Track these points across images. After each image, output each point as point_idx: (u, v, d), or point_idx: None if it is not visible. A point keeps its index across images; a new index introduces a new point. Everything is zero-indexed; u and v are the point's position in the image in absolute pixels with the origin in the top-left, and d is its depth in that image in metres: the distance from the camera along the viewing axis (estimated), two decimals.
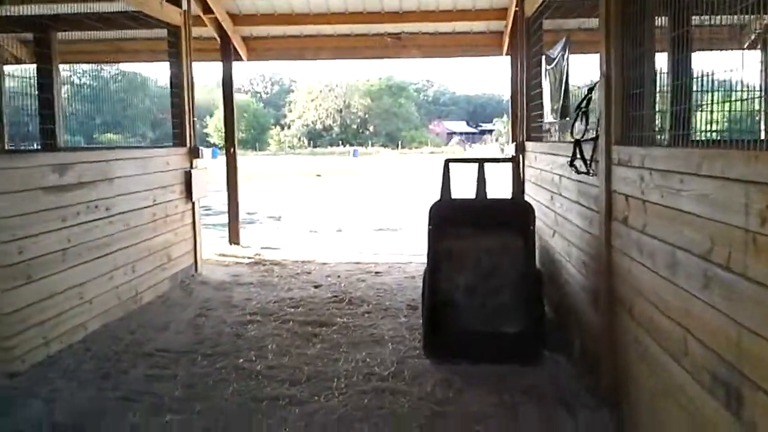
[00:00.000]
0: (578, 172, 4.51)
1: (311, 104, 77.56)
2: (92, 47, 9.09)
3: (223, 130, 9.70)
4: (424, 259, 5.19)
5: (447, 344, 4.82)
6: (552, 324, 5.20)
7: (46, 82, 7.59)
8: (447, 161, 5.49)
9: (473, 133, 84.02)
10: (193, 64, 7.63)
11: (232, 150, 9.53)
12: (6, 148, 8.60)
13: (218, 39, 9.50)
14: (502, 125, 77.77)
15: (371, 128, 77.45)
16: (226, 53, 9.60)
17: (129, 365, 4.57)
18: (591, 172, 4.30)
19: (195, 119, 7.72)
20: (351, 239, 11.05)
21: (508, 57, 9.24)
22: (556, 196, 5.63)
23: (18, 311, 4.49)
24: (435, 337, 4.81)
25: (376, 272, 7.83)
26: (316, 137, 75.38)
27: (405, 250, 9.34)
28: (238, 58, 9.89)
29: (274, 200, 20.01)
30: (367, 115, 78.22)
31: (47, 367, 4.51)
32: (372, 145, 68.04)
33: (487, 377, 4.32)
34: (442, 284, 4.96)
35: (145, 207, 6.46)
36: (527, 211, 5.17)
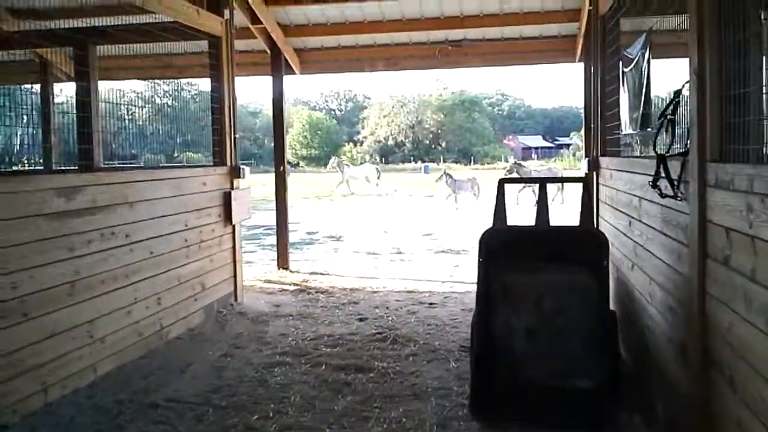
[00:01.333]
0: (662, 195, 3.65)
1: (383, 120, 77.43)
2: (139, 63, 8.77)
3: (273, 149, 9.18)
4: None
5: (499, 402, 4.02)
6: (629, 378, 4.31)
7: (84, 99, 7.24)
8: (501, 181, 4.71)
9: (549, 148, 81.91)
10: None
11: (282, 168, 9.00)
12: (53, 168, 8.39)
13: (268, 51, 9.03)
14: (579, 139, 75.43)
15: (443, 144, 76.59)
16: (277, 66, 9.11)
17: (128, 419, 3.98)
18: (679, 195, 3.44)
19: (237, 136, 7.20)
20: (410, 263, 10.31)
21: (581, 64, 8.35)
22: (635, 222, 4.74)
23: (11, 353, 3.98)
24: (485, 393, 4.02)
25: (430, 303, 7.06)
26: (388, 153, 75.13)
27: (465, 275, 8.54)
28: (290, 72, 9.39)
29: (340, 219, 19.50)
30: (439, 131, 77.42)
31: (40, 417, 3.98)
32: (444, 161, 67.11)
33: None
34: (496, 328, 4.16)
35: (175, 232, 5.94)
36: (600, 243, 4.31)
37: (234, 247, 7.17)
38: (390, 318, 6.43)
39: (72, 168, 7.79)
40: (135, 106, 8.10)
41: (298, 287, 7.99)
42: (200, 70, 7.93)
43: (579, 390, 4.00)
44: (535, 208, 4.57)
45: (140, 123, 8.45)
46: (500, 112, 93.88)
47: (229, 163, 7.07)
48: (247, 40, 8.78)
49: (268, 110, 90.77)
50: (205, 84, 7.38)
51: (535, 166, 34.24)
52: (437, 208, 22.36)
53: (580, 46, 8.35)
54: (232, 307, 6.92)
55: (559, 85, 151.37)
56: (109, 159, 7.99)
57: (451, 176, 25.12)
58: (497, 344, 4.13)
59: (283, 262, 9.06)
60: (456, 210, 22.21)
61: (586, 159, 7.11)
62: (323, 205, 24.26)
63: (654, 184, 3.70)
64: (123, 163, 8.21)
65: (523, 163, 30.79)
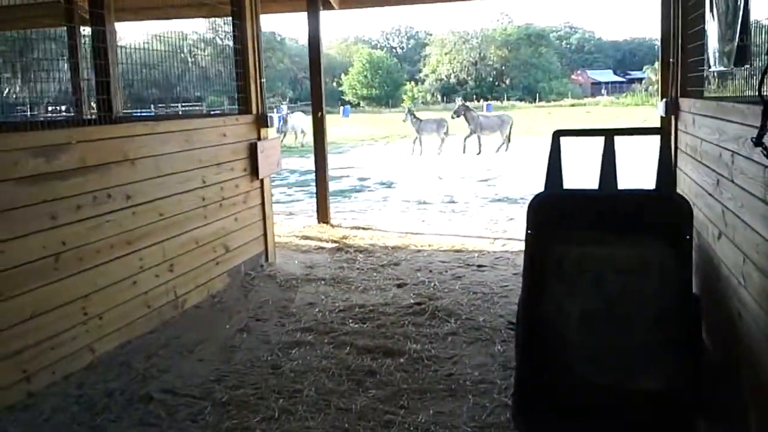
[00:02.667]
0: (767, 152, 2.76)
1: (445, 57, 75.18)
2: (161, 2, 8.08)
3: (311, 94, 8.39)
4: None
5: (550, 405, 3.30)
6: (714, 378, 3.51)
7: (100, 46, 6.63)
8: (556, 134, 3.86)
9: (621, 83, 78.17)
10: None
11: (319, 114, 8.27)
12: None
13: None
14: (653, 73, 71.47)
15: (507, 81, 74.01)
16: (313, 1, 8.27)
17: (112, 418, 3.44)
18: None
19: (263, 80, 6.48)
20: (461, 214, 9.53)
21: None
22: (725, 181, 3.82)
23: None
24: (532, 394, 3.30)
25: (479, 266, 6.31)
26: (449, 92, 73.18)
27: (519, 230, 7.72)
28: (329, 6, 8.54)
29: (395, 163, 18.75)
30: (503, 67, 74.75)
31: (17, 413, 3.49)
32: (508, 99, 64.88)
33: None
34: (546, 313, 3.41)
35: (189, 191, 5.34)
36: (682, 211, 3.45)
37: (263, 204, 6.55)
38: (432, 284, 5.72)
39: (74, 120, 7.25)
40: (156, 50, 7.45)
41: (337, 245, 7.35)
42: (220, 9, 7.14)
43: (649, 391, 3.25)
44: (600, 166, 3.72)
45: (163, 68, 7.81)
46: (568, 46, 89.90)
47: (255, 111, 6.38)
48: None
49: (330, 49, 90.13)
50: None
51: (483, 112, 29.63)
52: (488, 152, 21.25)
53: None
54: (261, 269, 6.35)
55: (633, 15, 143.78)
56: (131, 108, 7.42)
57: (415, 115, 22.73)
58: (547, 333, 3.39)
59: (323, 216, 8.43)
60: (418, 156, 20.50)
61: (663, 101, 6.08)
62: (380, 148, 23.51)
63: (758, 141, 2.80)
64: (142, 114, 7.64)
65: (470, 104, 25.60)
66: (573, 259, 3.48)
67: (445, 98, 68.92)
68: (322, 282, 5.93)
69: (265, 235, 6.59)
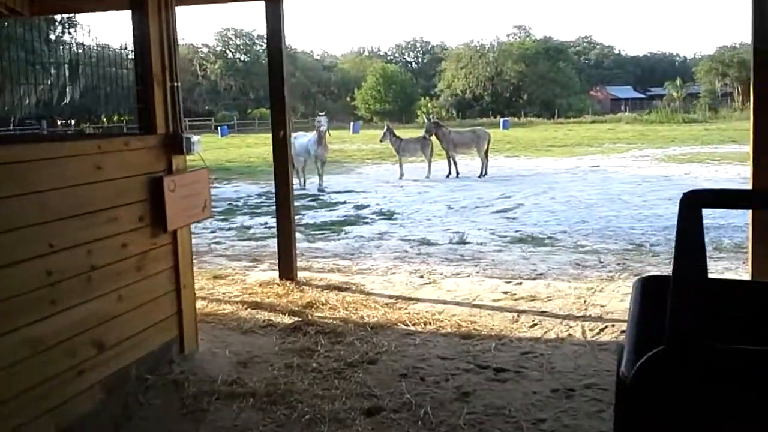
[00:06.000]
0: None
1: (461, 72, 73.17)
2: None
3: (270, 108, 6.24)
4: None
5: None
6: None
7: None
8: (690, 199, 1.72)
9: (641, 99, 75.83)
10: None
11: (281, 133, 6.13)
12: None
13: None
14: (674, 89, 68.90)
15: (525, 96, 71.76)
16: None
17: None
18: None
19: (177, 84, 4.37)
20: (471, 262, 7.37)
21: None
22: None
23: None
24: None
25: (496, 369, 4.12)
26: (465, 107, 71.06)
27: (553, 293, 5.55)
28: None
29: (402, 186, 16.61)
30: (521, 82, 72.56)
31: None
32: (525, 115, 62.60)
33: None
34: None
35: (21, 261, 3.23)
36: None
37: (176, 267, 4.43)
38: (422, 412, 3.54)
39: None
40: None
41: (295, 319, 5.20)
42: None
43: None
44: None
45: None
46: (587, 61, 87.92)
47: (162, 130, 4.28)
48: None
49: (344, 64, 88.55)
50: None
51: (455, 127, 26.08)
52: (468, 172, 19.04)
53: None
54: (169, 368, 4.21)
55: (652, 29, 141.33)
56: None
57: (394, 134, 19.83)
58: None
59: (286, 269, 6.28)
60: (399, 179, 17.79)
61: None
62: (388, 168, 21.34)
63: None
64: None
65: (441, 122, 22.47)
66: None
67: (460, 114, 66.82)
68: (250, 401, 3.75)
69: (179, 313, 4.44)
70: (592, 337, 4.67)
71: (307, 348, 4.57)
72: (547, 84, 70.53)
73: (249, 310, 5.47)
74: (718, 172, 17.36)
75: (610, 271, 6.81)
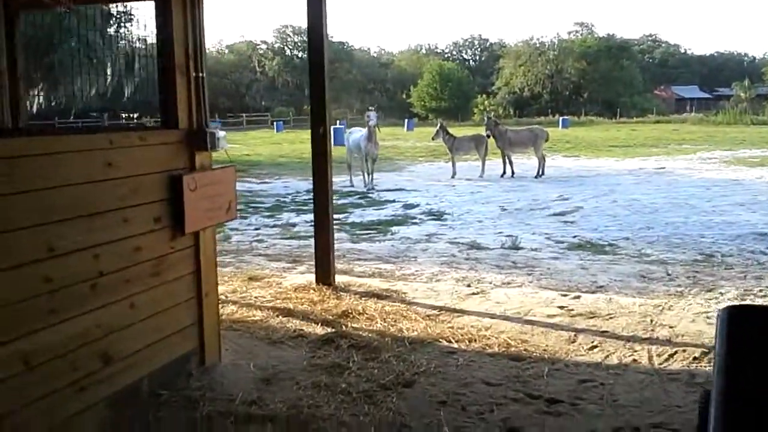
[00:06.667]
0: None
1: (519, 70, 71.79)
2: None
3: (310, 102, 5.84)
4: None
5: None
6: None
7: None
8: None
9: (707, 99, 72.95)
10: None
11: (321, 130, 5.74)
12: None
13: None
14: (742, 90, 65.87)
15: (586, 95, 69.90)
16: None
17: None
18: None
19: (202, 75, 4.01)
20: (524, 270, 6.83)
21: None
22: None
23: None
24: None
25: (549, 401, 3.61)
26: (523, 105, 69.64)
27: (616, 310, 4.98)
28: None
29: (455, 186, 16.09)
30: (582, 80, 70.71)
31: None
32: (585, 114, 60.90)
33: None
34: None
35: (16, 267, 2.92)
36: None
37: (198, 272, 4.07)
38: None
39: None
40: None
41: (329, 329, 4.79)
42: None
43: None
44: None
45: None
46: (651, 60, 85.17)
47: (184, 124, 3.93)
48: None
49: (401, 61, 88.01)
50: None
51: (512, 125, 25.08)
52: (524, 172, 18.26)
53: None
54: (187, 383, 3.86)
55: (720, 28, 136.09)
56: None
57: (447, 131, 19.00)
58: None
59: (324, 274, 5.89)
60: (451, 177, 17.25)
61: None
62: (441, 167, 20.81)
63: None
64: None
65: (499, 120, 21.65)
66: None
67: (517, 112, 65.55)
68: (268, 425, 3.37)
69: (200, 322, 4.09)
70: (660, 364, 4.11)
71: (338, 365, 4.15)
72: (610, 82, 68.50)
73: (280, 317, 5.09)
74: None
75: (679, 285, 6.19)
